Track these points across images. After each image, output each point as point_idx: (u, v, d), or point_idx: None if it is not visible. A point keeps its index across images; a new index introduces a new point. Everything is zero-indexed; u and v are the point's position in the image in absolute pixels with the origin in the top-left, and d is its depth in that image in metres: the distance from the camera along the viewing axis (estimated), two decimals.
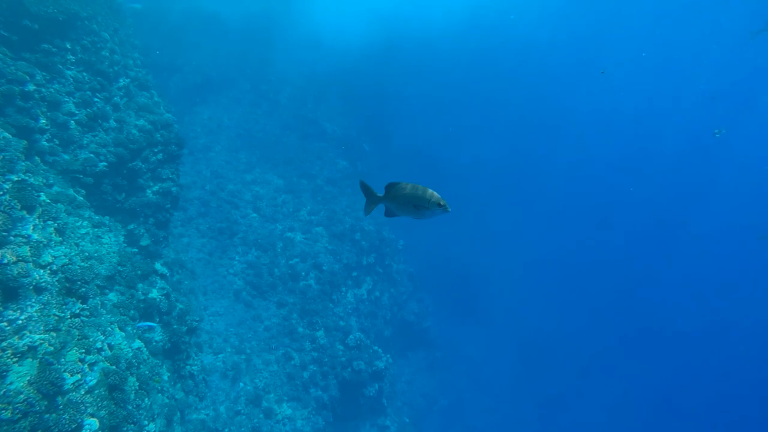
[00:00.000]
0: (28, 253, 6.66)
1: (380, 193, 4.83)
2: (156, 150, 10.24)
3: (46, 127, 8.52)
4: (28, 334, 6.17)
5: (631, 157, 44.90)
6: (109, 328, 7.16)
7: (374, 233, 20.40)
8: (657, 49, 41.35)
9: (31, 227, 7.02)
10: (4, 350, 5.86)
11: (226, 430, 10.44)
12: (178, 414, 8.36)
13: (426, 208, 4.48)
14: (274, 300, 15.37)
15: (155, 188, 10.23)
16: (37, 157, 8.37)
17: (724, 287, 39.64)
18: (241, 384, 11.74)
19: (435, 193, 4.40)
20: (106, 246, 8.21)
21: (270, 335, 14.36)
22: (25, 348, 6.04)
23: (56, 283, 6.81)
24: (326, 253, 17.55)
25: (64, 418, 5.91)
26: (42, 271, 6.75)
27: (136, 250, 9.61)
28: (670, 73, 43.26)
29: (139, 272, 8.54)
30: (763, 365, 33.90)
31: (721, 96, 38.17)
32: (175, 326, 9.12)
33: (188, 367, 9.54)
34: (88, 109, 9.30)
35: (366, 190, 4.91)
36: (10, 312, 6.14)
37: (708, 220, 43.23)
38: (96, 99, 9.63)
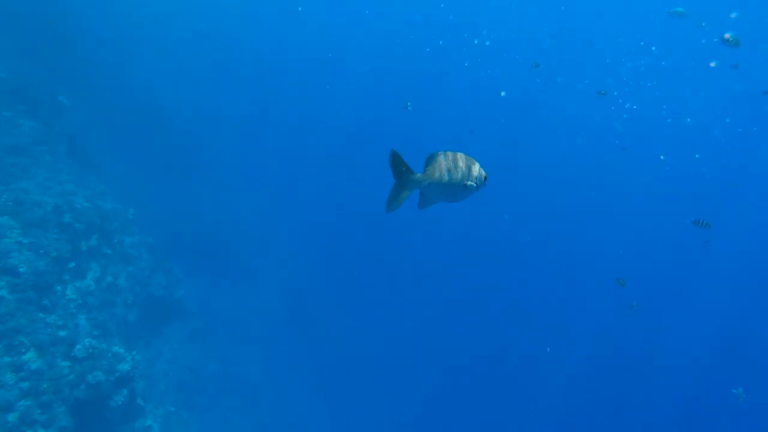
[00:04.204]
0: None
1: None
2: None
3: None
4: None
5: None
6: None
7: (91, 209, 16.76)
8: None
9: None
10: None
11: None
12: None
13: (477, 186, 3.40)
14: None
15: None
16: None
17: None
18: None
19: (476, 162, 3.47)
20: None
21: None
22: None
23: None
24: (21, 250, 13.56)
25: None
26: None
27: None
28: None
29: None
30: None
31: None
32: None
33: None
34: None
35: (398, 166, 3.24)
36: None
37: None
38: None
